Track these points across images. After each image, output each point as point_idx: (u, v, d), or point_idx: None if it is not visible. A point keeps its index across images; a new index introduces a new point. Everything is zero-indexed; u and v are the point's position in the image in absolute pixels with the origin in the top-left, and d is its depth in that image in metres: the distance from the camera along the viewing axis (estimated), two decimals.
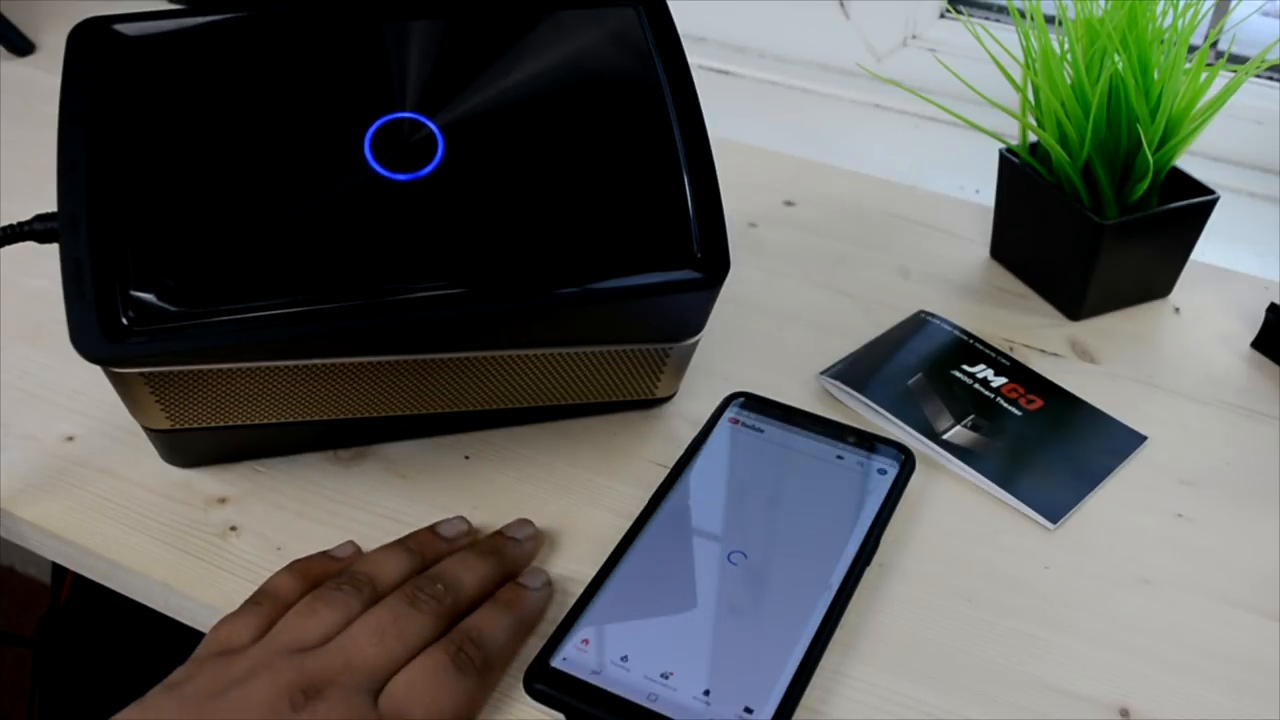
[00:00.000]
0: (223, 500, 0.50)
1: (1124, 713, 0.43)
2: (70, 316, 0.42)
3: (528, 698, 0.42)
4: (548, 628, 0.44)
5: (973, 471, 0.52)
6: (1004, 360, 0.59)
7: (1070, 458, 0.53)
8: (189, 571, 0.47)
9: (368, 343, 0.45)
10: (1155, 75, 0.57)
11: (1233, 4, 0.68)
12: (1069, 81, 0.58)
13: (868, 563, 0.47)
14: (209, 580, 0.47)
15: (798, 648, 0.43)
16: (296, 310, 0.43)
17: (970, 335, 0.60)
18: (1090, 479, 0.52)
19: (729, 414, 0.53)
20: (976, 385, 0.57)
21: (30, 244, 0.46)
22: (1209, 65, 0.57)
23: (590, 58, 0.47)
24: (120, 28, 0.45)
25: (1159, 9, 0.56)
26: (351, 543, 0.48)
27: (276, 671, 0.39)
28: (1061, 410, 0.56)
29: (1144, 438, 0.55)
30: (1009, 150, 0.63)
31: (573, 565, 0.48)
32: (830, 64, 0.89)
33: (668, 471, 0.50)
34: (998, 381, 0.57)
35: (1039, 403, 0.56)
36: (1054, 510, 0.51)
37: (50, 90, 0.45)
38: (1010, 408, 0.56)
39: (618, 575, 0.45)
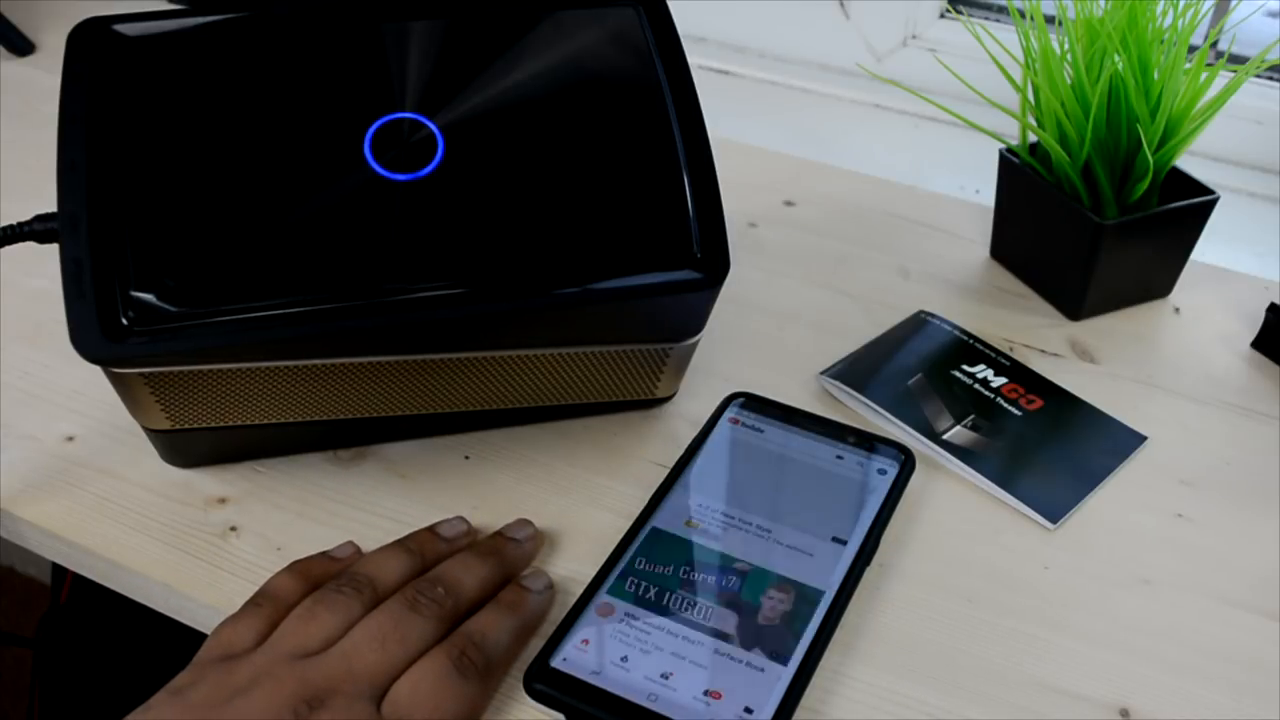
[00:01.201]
0: (223, 500, 0.50)
1: (1124, 713, 0.43)
2: (70, 316, 0.42)
3: (528, 698, 0.42)
4: (548, 628, 0.44)
5: (973, 471, 0.52)
6: (1004, 360, 0.59)
7: (1070, 458, 0.53)
8: (189, 571, 0.47)
9: (368, 343, 0.45)
10: (1155, 75, 0.57)
11: (1233, 4, 0.67)
12: (1069, 81, 0.58)
13: (868, 563, 0.47)
14: (209, 580, 0.47)
15: (798, 648, 0.43)
16: (297, 310, 0.43)
17: (970, 335, 0.60)
18: (1090, 479, 0.52)
19: (729, 414, 0.53)
20: (976, 385, 0.57)
21: (30, 244, 0.46)
22: (1209, 65, 0.57)
23: (590, 58, 0.47)
24: (120, 28, 0.45)
25: (1159, 9, 0.56)
26: (351, 543, 0.48)
27: (279, 680, 0.39)
28: (1061, 410, 0.56)
29: (1144, 438, 0.55)
30: (1009, 150, 0.63)
31: (573, 565, 0.48)
32: (830, 64, 0.89)
33: (668, 471, 0.50)
34: (998, 381, 0.57)
35: (1039, 403, 0.56)
36: (1054, 510, 0.51)
37: (50, 90, 0.45)
38: (1010, 408, 0.56)
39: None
